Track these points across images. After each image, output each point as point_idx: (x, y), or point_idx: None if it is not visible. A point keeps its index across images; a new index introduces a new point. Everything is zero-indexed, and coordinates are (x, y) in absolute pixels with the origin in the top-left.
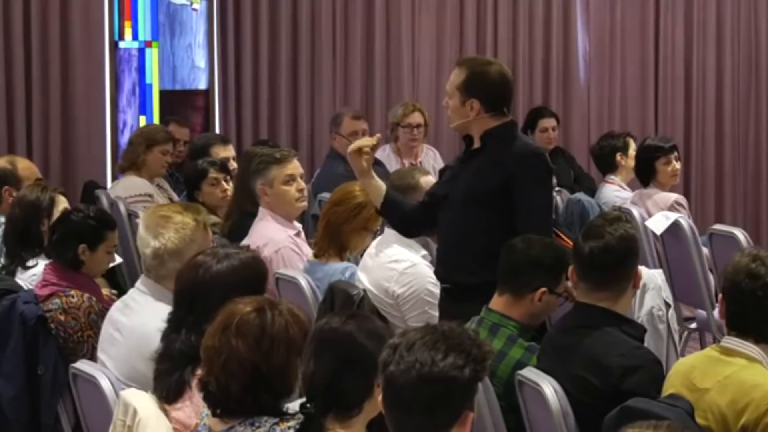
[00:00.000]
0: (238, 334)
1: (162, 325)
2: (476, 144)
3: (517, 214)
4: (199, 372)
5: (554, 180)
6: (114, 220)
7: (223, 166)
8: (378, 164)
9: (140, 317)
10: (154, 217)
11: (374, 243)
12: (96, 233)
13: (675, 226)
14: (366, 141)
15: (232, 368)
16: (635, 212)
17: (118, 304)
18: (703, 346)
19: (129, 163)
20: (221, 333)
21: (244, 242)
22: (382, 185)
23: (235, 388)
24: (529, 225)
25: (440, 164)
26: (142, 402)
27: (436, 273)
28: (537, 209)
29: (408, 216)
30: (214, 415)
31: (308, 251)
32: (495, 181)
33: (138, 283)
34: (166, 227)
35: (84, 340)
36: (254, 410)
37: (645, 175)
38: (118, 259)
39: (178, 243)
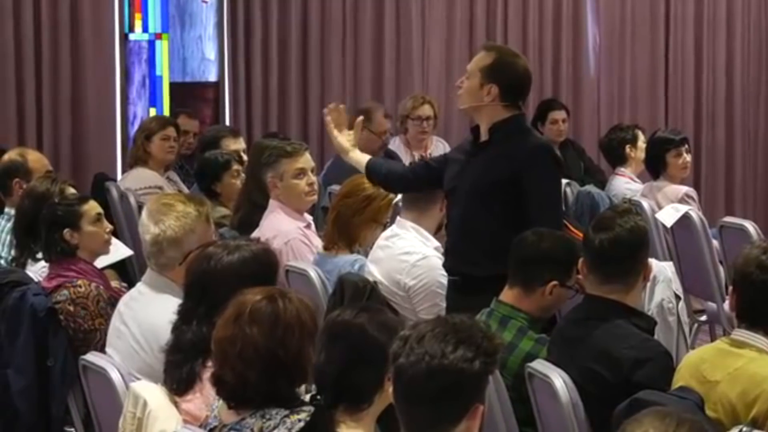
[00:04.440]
0: (252, 321)
1: (166, 316)
2: (483, 136)
3: (527, 208)
4: (209, 364)
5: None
6: (84, 194)
7: (240, 158)
8: (391, 156)
9: (144, 310)
10: (157, 204)
11: (384, 234)
12: (70, 214)
13: (685, 219)
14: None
15: (248, 356)
16: (645, 204)
17: (125, 298)
18: (713, 339)
19: (134, 159)
20: (234, 323)
21: (254, 234)
22: (363, 156)
23: (253, 376)
24: (538, 218)
25: None
26: (153, 394)
27: (444, 265)
28: (546, 202)
29: (392, 173)
30: (229, 407)
31: (318, 243)
32: (503, 174)
33: (144, 276)
34: (167, 215)
35: (96, 327)
36: (272, 397)
37: (655, 168)
38: (129, 252)
39: (178, 231)
